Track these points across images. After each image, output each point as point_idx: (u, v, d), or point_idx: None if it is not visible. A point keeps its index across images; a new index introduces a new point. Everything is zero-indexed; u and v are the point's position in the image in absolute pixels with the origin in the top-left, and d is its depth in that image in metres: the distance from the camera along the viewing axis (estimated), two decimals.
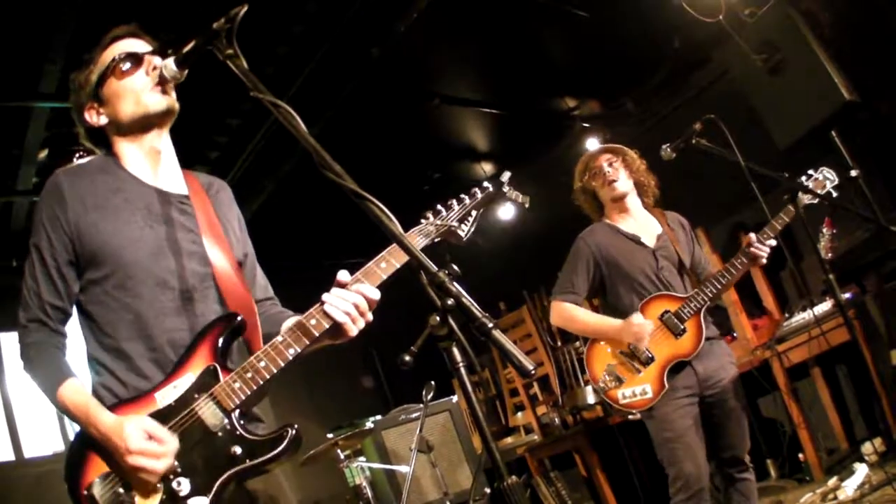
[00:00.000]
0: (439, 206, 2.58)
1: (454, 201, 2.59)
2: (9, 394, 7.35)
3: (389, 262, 2.22)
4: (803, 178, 4.06)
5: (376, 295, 2.17)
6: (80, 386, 2.12)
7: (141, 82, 2.31)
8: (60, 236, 2.20)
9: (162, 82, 2.28)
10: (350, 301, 2.11)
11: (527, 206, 2.84)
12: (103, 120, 2.36)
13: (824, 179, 4.05)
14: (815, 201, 3.99)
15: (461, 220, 2.56)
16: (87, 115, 2.38)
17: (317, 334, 2.11)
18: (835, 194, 4.05)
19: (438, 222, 2.50)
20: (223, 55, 2.03)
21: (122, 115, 2.32)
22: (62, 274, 2.20)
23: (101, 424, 2.02)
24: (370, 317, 2.17)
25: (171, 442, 2.02)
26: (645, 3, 6.31)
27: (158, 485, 1.99)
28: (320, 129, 6.31)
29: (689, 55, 7.23)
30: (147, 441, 1.98)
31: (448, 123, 8.02)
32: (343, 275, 2.17)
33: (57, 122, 5.62)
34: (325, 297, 2.12)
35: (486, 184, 2.70)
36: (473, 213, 2.60)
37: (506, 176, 2.71)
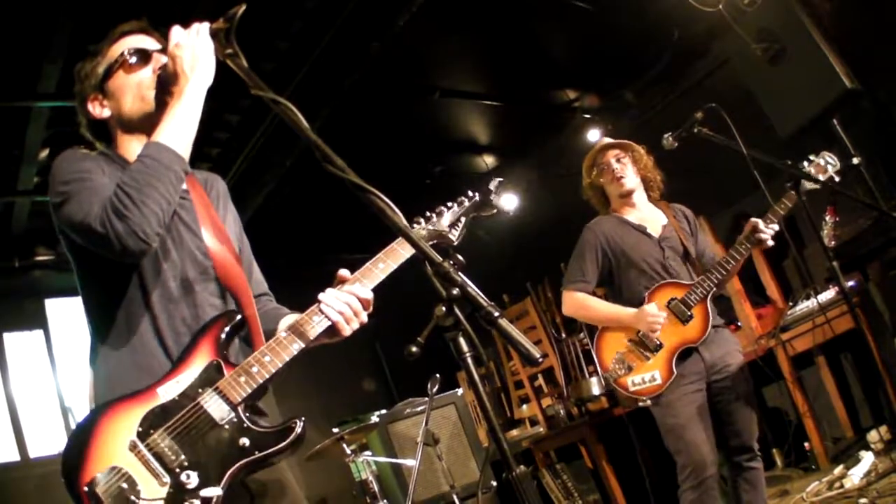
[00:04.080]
0: (429, 213, 2.62)
1: (443, 207, 2.64)
2: (13, 394, 7.35)
3: (387, 262, 2.27)
4: (805, 164, 4.02)
5: (368, 295, 2.21)
6: None
7: (148, 79, 2.30)
8: None
9: None
10: (343, 301, 2.15)
11: (511, 213, 2.87)
12: (106, 113, 2.35)
13: (825, 164, 4.00)
14: (818, 187, 3.97)
15: (451, 226, 2.62)
16: (90, 107, 2.36)
17: (317, 331, 2.14)
18: (837, 179, 4.01)
19: (430, 227, 2.56)
20: (223, 55, 2.03)
21: (127, 111, 2.31)
22: None
23: None
24: (364, 317, 2.21)
25: None
26: None
27: (165, 479, 1.96)
28: (321, 124, 6.31)
29: (688, 46, 7.21)
30: None
31: (449, 117, 8.02)
32: (344, 272, 2.23)
33: (57, 121, 5.60)
34: (321, 296, 2.16)
35: (471, 192, 2.74)
36: (463, 219, 2.65)
37: (494, 183, 2.74)
